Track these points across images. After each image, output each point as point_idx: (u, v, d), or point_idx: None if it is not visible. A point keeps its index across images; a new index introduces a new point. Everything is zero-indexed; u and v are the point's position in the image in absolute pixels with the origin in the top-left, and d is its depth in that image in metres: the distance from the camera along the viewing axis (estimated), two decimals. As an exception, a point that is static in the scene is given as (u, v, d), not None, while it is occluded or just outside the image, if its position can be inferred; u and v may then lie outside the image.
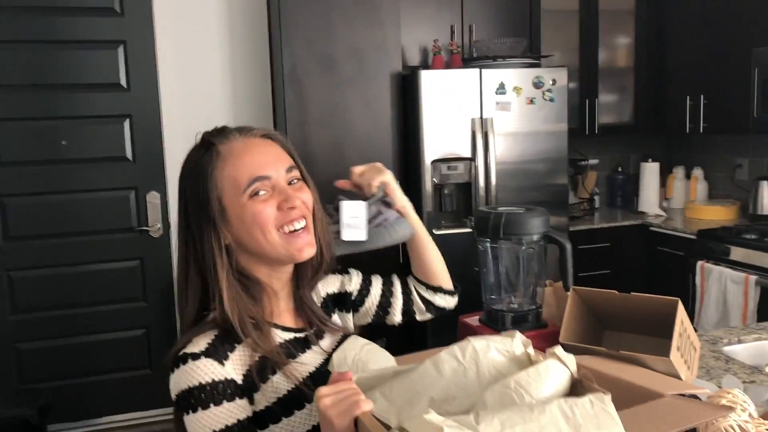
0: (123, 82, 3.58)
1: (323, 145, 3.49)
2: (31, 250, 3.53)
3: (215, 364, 1.03)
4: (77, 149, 3.54)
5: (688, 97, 4.03)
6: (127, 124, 3.61)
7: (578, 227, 3.99)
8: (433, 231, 3.50)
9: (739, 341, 1.98)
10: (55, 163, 3.52)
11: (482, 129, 3.53)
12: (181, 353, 1.04)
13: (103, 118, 3.57)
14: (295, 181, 1.15)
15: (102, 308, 3.65)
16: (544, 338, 1.59)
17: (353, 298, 1.35)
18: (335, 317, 1.31)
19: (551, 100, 3.63)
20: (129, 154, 3.62)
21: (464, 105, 3.52)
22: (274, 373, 1.08)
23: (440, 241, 1.40)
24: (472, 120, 3.52)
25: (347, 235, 1.21)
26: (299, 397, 1.10)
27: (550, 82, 3.61)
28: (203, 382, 1.02)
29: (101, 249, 3.62)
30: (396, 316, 1.39)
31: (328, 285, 1.33)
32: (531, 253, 1.61)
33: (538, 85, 3.59)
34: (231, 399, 1.04)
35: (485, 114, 3.54)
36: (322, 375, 1.13)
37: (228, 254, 1.10)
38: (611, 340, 1.73)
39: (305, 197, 1.15)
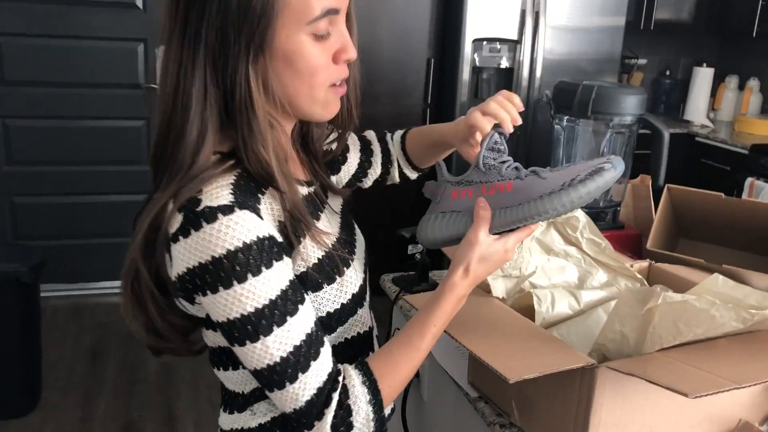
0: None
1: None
2: (26, 97, 3.25)
3: (254, 216, 0.77)
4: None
5: (760, -4, 3.62)
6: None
7: (619, 130, 3.69)
8: (466, 118, 3.22)
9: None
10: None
11: (533, 9, 3.16)
12: (201, 208, 0.76)
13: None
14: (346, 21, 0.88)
15: (104, 168, 3.42)
16: (621, 241, 1.34)
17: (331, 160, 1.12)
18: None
19: (611, -16, 3.24)
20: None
21: (517, -21, 3.13)
22: (303, 236, 0.85)
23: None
24: (524, -3, 3.15)
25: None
26: (330, 267, 0.88)
27: (613, -36, 3.21)
28: (248, 241, 0.76)
29: (105, 104, 3.34)
30: (366, 184, 1.20)
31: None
32: (620, 139, 1.33)
33: (601, -36, 3.19)
34: (280, 258, 0.79)
35: (538, -8, 3.16)
36: (347, 243, 0.94)
37: (265, 90, 0.82)
38: (687, 249, 1.50)
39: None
